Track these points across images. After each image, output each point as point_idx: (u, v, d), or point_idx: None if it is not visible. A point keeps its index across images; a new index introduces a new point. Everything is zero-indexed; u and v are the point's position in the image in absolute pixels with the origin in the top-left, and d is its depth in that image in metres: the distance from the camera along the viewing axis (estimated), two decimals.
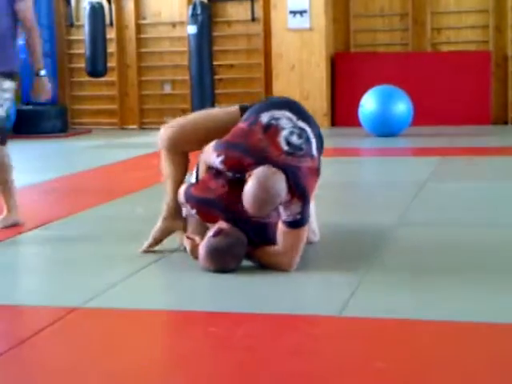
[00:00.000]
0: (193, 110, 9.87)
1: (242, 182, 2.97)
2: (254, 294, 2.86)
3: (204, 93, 9.84)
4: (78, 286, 3.03)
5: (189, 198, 3.14)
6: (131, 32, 10.48)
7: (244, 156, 2.98)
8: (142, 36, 10.50)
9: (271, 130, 3.03)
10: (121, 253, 3.53)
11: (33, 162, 7.22)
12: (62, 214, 4.47)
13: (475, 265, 3.18)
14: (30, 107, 9.81)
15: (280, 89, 9.63)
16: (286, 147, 2.99)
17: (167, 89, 10.52)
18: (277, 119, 3.08)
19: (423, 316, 2.55)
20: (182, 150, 3.36)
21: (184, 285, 3.03)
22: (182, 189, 3.23)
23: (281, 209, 3.00)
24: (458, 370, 2.11)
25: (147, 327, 2.57)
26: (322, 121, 9.59)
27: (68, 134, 9.85)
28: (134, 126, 10.56)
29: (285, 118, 3.10)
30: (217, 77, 10.12)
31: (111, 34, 10.30)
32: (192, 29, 9.75)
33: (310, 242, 3.46)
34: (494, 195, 4.79)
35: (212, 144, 3.15)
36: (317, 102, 9.57)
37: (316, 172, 3.10)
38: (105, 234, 3.97)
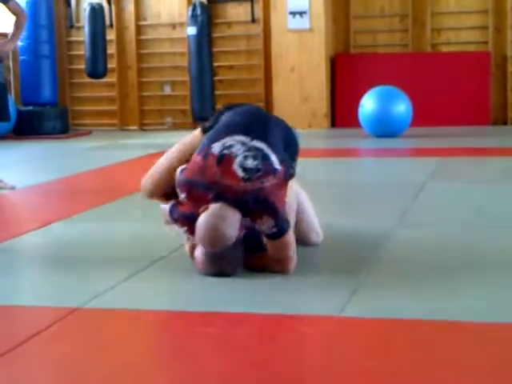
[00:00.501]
0: (192, 111, 9.90)
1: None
2: (253, 294, 2.86)
3: (204, 94, 9.85)
4: (78, 286, 3.03)
5: (178, 215, 3.11)
6: (131, 33, 10.49)
7: (205, 192, 2.96)
8: (142, 37, 10.51)
9: (225, 160, 2.98)
10: (121, 254, 3.54)
11: (33, 163, 7.22)
12: (62, 215, 4.47)
13: (475, 265, 3.18)
14: (31, 108, 9.81)
15: (280, 90, 9.64)
16: (242, 174, 2.94)
17: (167, 90, 10.53)
18: (229, 147, 3.02)
19: (423, 316, 2.55)
20: (161, 195, 3.33)
21: (183, 285, 3.03)
22: (167, 208, 3.19)
23: (256, 226, 2.99)
24: (458, 370, 2.11)
25: (147, 327, 2.58)
26: (322, 122, 9.60)
27: (68, 135, 9.86)
28: (135, 127, 10.57)
29: (237, 143, 3.03)
30: (217, 78, 10.12)
31: (111, 35, 10.31)
32: (192, 30, 9.76)
33: (313, 244, 3.46)
34: (494, 196, 4.79)
35: (177, 175, 3.12)
36: (317, 102, 9.58)
37: (282, 184, 3.02)
38: (105, 235, 3.97)
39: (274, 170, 3.00)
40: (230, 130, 3.11)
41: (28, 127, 9.67)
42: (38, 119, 9.73)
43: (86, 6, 10.00)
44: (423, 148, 7.50)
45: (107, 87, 10.63)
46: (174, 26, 10.43)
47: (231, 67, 10.26)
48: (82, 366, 2.22)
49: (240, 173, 2.95)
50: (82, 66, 10.18)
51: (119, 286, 3.00)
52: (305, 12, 9.49)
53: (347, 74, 9.72)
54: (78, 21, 10.64)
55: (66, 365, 2.23)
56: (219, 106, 3.40)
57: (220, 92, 10.14)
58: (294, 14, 9.52)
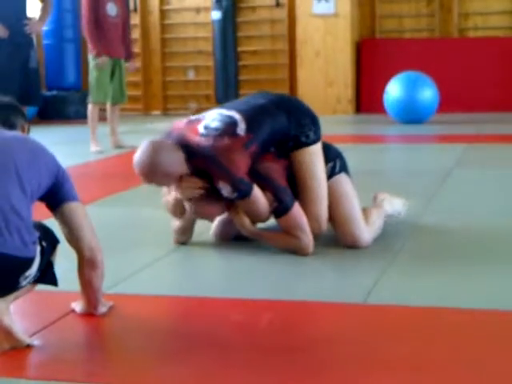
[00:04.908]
0: (216, 96, 9.87)
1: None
2: (277, 280, 2.84)
3: (228, 79, 9.82)
4: None
5: None
6: (155, 18, 10.47)
7: (166, 140, 3.14)
8: (166, 22, 10.49)
9: (195, 120, 3.16)
10: (146, 239, 3.54)
11: (58, 147, 7.21)
12: (88, 200, 4.47)
13: (502, 253, 3.14)
14: (55, 93, 9.84)
15: (304, 75, 9.58)
16: (202, 131, 3.07)
17: (191, 75, 10.51)
18: (204, 114, 3.19)
19: (449, 304, 2.52)
20: None
21: (207, 271, 3.02)
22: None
23: (221, 191, 3.02)
24: (483, 359, 2.08)
25: (170, 313, 2.57)
26: (347, 107, 9.53)
27: None
28: (158, 112, 10.57)
29: (214, 113, 3.16)
30: (241, 63, 10.08)
31: (135, 19, 10.29)
32: (216, 14, 9.72)
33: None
34: None
35: None
36: (341, 88, 9.51)
37: (237, 149, 3.01)
38: (129, 219, 3.97)
39: (234, 134, 3.04)
40: (223, 106, 3.26)
41: (52, 111, 9.70)
42: (62, 103, 9.76)
43: None
44: (450, 134, 7.43)
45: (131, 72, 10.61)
46: (198, 10, 10.39)
47: (255, 52, 10.21)
48: (104, 350, 2.21)
49: (201, 129, 3.07)
50: None
51: (143, 272, 2.99)
52: None
53: (372, 59, 9.63)
54: None
55: (88, 349, 2.22)
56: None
57: (244, 77, 10.10)
58: None
